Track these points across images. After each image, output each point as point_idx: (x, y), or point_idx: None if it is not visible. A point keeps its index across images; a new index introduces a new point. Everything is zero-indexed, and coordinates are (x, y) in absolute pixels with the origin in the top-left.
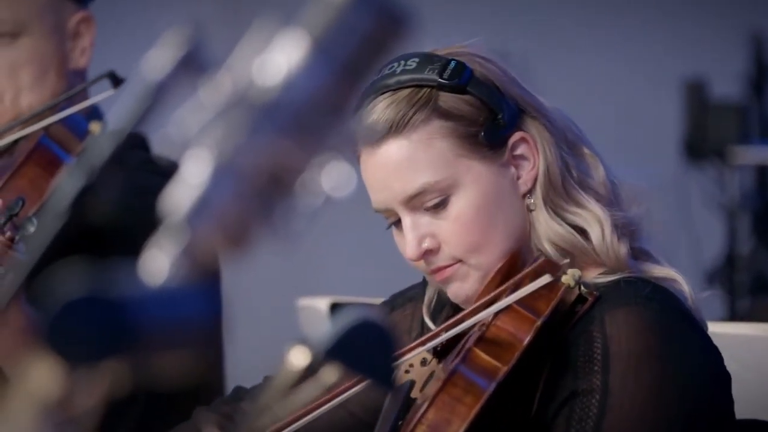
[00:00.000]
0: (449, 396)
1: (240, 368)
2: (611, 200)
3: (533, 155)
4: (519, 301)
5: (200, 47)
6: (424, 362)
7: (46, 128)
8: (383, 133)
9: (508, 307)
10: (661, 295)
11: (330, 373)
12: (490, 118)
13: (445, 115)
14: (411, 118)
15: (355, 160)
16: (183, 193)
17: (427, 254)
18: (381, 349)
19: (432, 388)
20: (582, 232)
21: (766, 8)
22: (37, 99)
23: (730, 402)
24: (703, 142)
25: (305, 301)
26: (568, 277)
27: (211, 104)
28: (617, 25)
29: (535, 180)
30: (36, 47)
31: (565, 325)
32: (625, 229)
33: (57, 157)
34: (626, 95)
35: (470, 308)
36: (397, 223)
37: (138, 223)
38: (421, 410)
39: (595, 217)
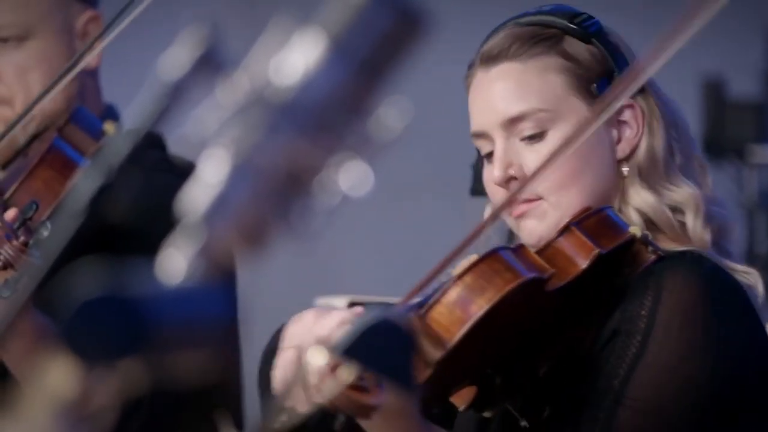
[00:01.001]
0: (488, 267)
1: (258, 367)
2: (712, 197)
3: (638, 125)
4: (583, 228)
5: (217, 46)
6: None
7: (59, 129)
8: (500, 55)
9: (570, 231)
10: (726, 276)
11: (348, 372)
12: (606, 72)
13: (564, 54)
14: (531, 47)
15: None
16: (200, 192)
17: (510, 182)
18: (398, 347)
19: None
20: (674, 210)
21: None
22: (48, 101)
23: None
24: (721, 141)
25: (323, 301)
26: (635, 228)
27: (229, 104)
28: (634, 23)
29: (634, 150)
30: (45, 49)
31: (625, 278)
32: (714, 222)
33: (71, 159)
34: None
35: None
36: (489, 156)
37: (155, 223)
38: (459, 273)
39: (692, 198)
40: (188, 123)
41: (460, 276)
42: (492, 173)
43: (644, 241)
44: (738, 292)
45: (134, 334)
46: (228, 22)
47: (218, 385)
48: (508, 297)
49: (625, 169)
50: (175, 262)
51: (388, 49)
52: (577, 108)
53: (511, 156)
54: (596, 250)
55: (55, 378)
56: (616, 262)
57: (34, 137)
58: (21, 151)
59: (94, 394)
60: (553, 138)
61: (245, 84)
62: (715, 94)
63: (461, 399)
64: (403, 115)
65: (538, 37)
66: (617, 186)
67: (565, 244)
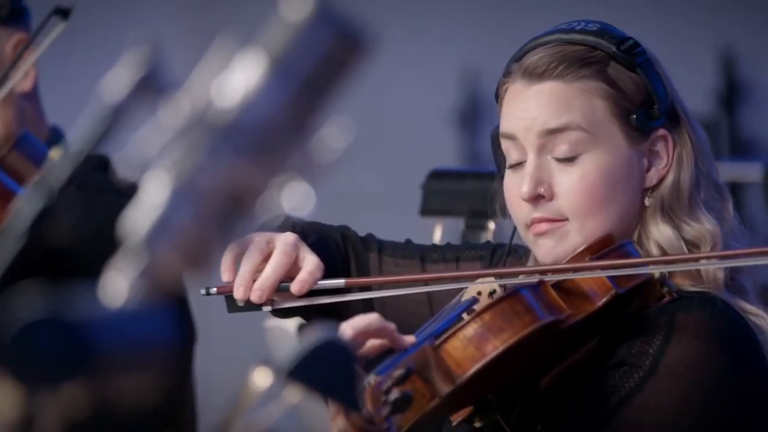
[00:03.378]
0: (509, 307)
1: (209, 389)
2: (730, 231)
3: (668, 156)
4: (603, 269)
5: (159, 68)
6: (492, 294)
7: (1, 159)
8: (545, 73)
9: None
10: (738, 318)
11: (293, 394)
12: (646, 103)
13: (609, 81)
14: (577, 69)
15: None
16: (142, 214)
17: (538, 200)
18: (342, 369)
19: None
20: (691, 245)
21: (736, 25)
22: None
23: None
24: None
25: (273, 322)
26: (654, 269)
27: (171, 125)
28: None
29: (661, 181)
30: None
31: (638, 314)
32: None
33: (8, 190)
34: None
35: (552, 265)
36: (515, 166)
37: (97, 245)
38: (479, 310)
39: (710, 234)
40: (130, 145)
41: (480, 313)
42: (520, 187)
43: (662, 281)
44: (748, 338)
45: (76, 358)
46: (170, 44)
47: (167, 407)
48: (524, 339)
49: (648, 200)
50: (118, 285)
51: (330, 69)
52: (614, 135)
53: (542, 174)
54: (614, 291)
55: None
56: (633, 298)
57: None
58: None
59: (36, 418)
60: (587, 160)
61: (187, 106)
62: None
63: (456, 415)
64: (345, 135)
65: (584, 60)
66: (639, 215)
67: (586, 281)
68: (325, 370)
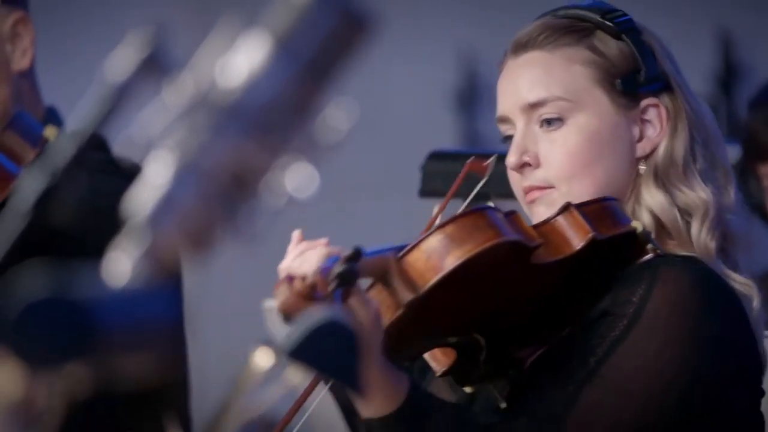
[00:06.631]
0: (472, 221)
1: (205, 370)
2: (729, 205)
3: (661, 125)
4: (582, 211)
5: (163, 48)
6: None
7: None
8: (529, 43)
9: (569, 211)
10: (720, 279)
11: (294, 374)
12: (632, 70)
13: (592, 48)
14: (560, 38)
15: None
16: (145, 194)
17: (525, 168)
18: (345, 349)
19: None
20: (684, 212)
21: (735, 7)
22: None
23: (750, 402)
24: None
25: (271, 303)
26: (637, 223)
27: (174, 105)
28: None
29: (654, 150)
30: None
31: (621, 269)
32: (723, 229)
33: (5, 170)
34: None
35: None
36: (508, 139)
37: (100, 225)
38: (442, 221)
39: (704, 203)
40: (134, 125)
41: (443, 225)
42: (509, 153)
43: (645, 237)
44: (729, 295)
45: (79, 337)
46: (174, 24)
47: (164, 387)
48: (486, 253)
49: (642, 168)
50: (121, 265)
51: (334, 50)
52: (598, 100)
53: (528, 142)
54: (591, 234)
55: (0, 380)
56: (615, 253)
57: None
58: None
59: (39, 397)
60: (571, 125)
61: (191, 86)
62: None
63: (438, 362)
64: (349, 117)
65: (568, 29)
66: (632, 183)
67: (563, 223)
68: (327, 350)
